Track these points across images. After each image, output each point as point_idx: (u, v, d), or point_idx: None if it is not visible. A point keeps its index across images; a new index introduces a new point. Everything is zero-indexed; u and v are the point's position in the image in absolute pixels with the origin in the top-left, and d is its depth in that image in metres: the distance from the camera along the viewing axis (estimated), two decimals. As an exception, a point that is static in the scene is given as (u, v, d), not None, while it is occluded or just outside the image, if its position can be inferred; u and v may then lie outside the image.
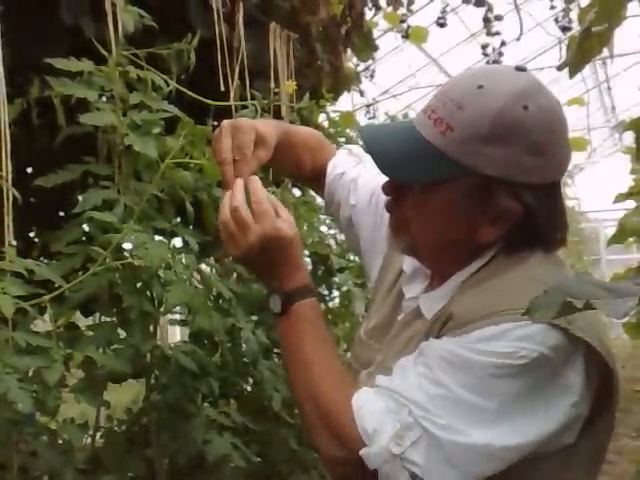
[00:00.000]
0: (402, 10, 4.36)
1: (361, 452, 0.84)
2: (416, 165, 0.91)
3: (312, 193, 2.24)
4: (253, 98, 1.70)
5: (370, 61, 3.84)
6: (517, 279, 0.89)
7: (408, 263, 1.05)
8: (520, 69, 0.92)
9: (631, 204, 3.34)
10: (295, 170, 1.26)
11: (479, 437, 0.81)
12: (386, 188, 0.98)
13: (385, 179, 0.98)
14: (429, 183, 0.91)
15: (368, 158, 1.27)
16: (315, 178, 1.28)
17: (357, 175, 1.22)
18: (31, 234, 2.02)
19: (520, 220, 0.90)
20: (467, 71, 0.95)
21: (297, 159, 1.22)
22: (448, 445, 0.82)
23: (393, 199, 0.98)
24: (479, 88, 0.88)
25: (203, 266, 1.63)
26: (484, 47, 5.52)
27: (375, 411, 0.85)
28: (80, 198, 1.30)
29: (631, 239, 3.37)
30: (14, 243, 1.22)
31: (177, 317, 1.55)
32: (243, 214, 0.95)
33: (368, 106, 5.16)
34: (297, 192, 2.21)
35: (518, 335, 0.82)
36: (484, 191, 0.89)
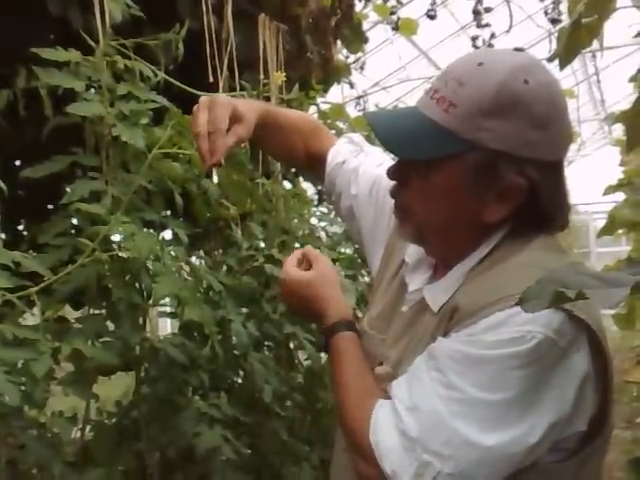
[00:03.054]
0: (392, 2, 4.35)
1: None
2: (421, 143, 0.91)
3: (303, 185, 2.23)
4: (242, 89, 1.69)
5: (360, 53, 3.83)
6: (519, 265, 0.89)
7: (410, 253, 1.05)
8: (518, 49, 0.93)
9: (621, 196, 3.35)
10: (288, 155, 1.27)
11: (492, 444, 0.82)
12: (391, 172, 0.98)
13: (389, 164, 0.99)
14: (434, 161, 0.91)
15: (369, 147, 1.27)
16: (312, 165, 1.28)
17: (358, 164, 1.22)
18: (19, 227, 2.00)
19: (525, 198, 0.90)
20: (466, 53, 0.96)
21: (288, 143, 1.22)
22: (464, 467, 0.83)
23: (398, 184, 0.98)
24: (479, 65, 0.89)
25: (193, 258, 1.63)
26: (474, 39, 5.52)
27: (390, 449, 0.87)
28: (68, 190, 1.29)
29: (620, 231, 3.39)
30: (2, 236, 1.21)
31: (166, 309, 1.54)
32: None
33: (358, 98, 5.15)
34: (288, 185, 2.20)
35: (523, 319, 0.82)
36: (489, 166, 0.89)
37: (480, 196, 0.91)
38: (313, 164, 1.27)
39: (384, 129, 0.94)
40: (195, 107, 1.05)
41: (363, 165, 1.21)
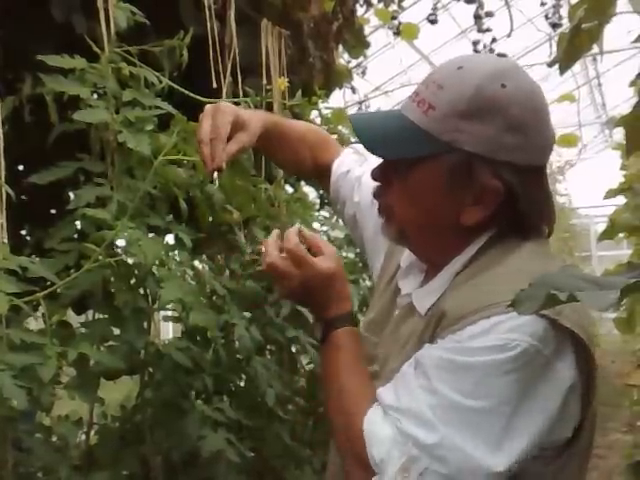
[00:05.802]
0: (393, 7, 4.36)
1: None
2: (400, 143, 0.94)
3: (305, 190, 2.24)
4: (245, 95, 1.70)
5: (361, 58, 3.84)
6: (507, 272, 0.90)
7: (405, 258, 1.06)
8: (501, 55, 0.95)
9: (621, 200, 3.36)
10: (294, 165, 1.29)
11: (479, 458, 0.82)
12: (374, 174, 1.00)
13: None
14: (413, 162, 0.93)
15: (374, 157, 1.29)
16: (319, 176, 1.31)
17: (361, 173, 1.24)
18: (22, 232, 2.01)
19: (504, 202, 0.91)
20: (450, 58, 0.98)
21: (294, 154, 1.24)
22: (453, 472, 0.83)
23: (381, 185, 1.00)
24: (459, 69, 0.92)
25: (196, 263, 1.63)
26: (475, 44, 5.53)
27: (383, 440, 0.87)
28: (72, 195, 1.30)
29: (621, 235, 3.39)
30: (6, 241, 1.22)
31: (170, 314, 1.55)
32: (280, 267, 1.01)
33: (360, 103, 5.16)
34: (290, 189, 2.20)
35: (508, 327, 0.83)
36: (465, 168, 0.91)
37: (457, 198, 0.92)
38: (320, 174, 1.30)
39: (364, 129, 0.96)
40: (201, 115, 1.07)
41: (366, 174, 1.23)
